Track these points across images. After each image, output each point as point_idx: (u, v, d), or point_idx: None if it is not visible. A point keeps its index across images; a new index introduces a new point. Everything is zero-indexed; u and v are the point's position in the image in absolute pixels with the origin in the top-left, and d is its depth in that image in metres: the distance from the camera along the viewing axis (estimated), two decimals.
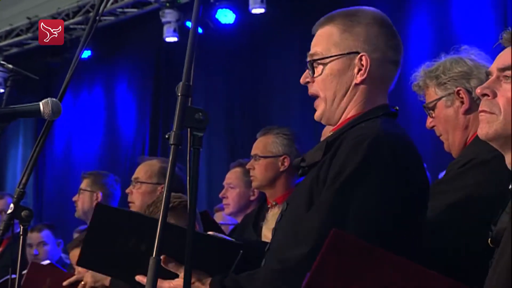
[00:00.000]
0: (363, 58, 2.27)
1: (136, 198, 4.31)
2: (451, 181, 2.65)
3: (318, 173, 2.17)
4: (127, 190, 4.43)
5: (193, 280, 2.10)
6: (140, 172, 4.39)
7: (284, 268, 2.04)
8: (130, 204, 4.36)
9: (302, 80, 2.36)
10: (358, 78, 2.28)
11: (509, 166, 2.00)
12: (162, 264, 2.11)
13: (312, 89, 2.34)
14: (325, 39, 2.31)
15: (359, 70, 2.28)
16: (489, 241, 1.95)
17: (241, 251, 2.18)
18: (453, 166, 2.72)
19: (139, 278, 2.20)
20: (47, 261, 5.19)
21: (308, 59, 2.33)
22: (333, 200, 2.09)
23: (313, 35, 2.37)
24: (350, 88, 2.29)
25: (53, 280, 3.95)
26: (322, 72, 2.30)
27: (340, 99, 2.30)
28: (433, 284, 1.65)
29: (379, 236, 2.03)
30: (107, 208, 2.27)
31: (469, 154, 2.66)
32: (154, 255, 1.66)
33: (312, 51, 2.33)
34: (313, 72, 2.31)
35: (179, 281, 2.14)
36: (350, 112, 2.30)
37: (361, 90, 2.29)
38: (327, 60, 2.29)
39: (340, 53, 2.28)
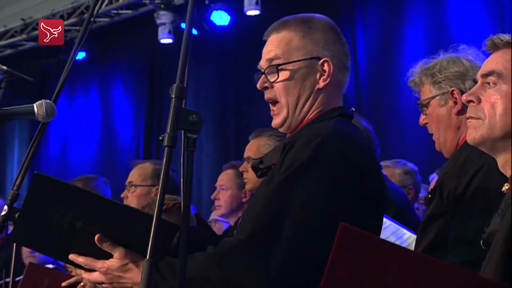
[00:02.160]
0: (326, 63, 2.30)
1: (132, 201, 4.31)
2: None
3: (272, 174, 2.19)
4: (122, 195, 4.42)
5: (126, 261, 2.09)
6: (134, 175, 4.40)
7: (219, 253, 2.04)
8: None
9: (259, 85, 2.34)
10: (321, 83, 2.30)
11: (501, 169, 2.02)
12: (96, 242, 2.09)
13: (271, 94, 2.33)
14: (284, 43, 2.31)
15: (321, 75, 2.30)
16: (481, 243, 1.96)
17: (178, 233, 2.10)
18: (449, 170, 2.72)
19: (73, 257, 2.14)
20: (50, 265, 5.17)
21: (267, 64, 2.32)
22: (275, 191, 2.10)
23: (265, 41, 2.37)
24: (313, 93, 2.30)
25: (51, 281, 3.94)
26: (284, 77, 2.29)
27: (302, 104, 2.31)
28: (448, 276, 1.65)
29: (316, 230, 2.03)
30: (46, 178, 2.09)
31: (461, 157, 2.67)
32: (148, 257, 1.65)
33: (270, 55, 2.32)
34: (277, 77, 2.30)
35: (113, 261, 2.10)
36: (310, 116, 2.31)
37: (322, 95, 2.31)
38: (290, 65, 2.29)
39: (303, 58, 2.29)
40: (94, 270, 2.14)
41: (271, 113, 2.35)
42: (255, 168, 2.37)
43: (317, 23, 2.35)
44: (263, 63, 2.34)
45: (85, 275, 2.17)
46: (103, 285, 2.15)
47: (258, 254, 2.00)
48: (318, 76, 2.30)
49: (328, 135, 2.14)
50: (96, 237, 2.10)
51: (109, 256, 2.12)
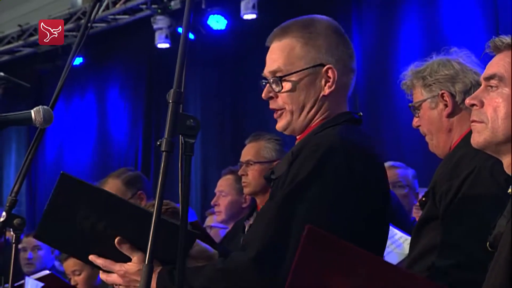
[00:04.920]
0: (330, 70, 2.28)
1: None
2: None
3: (277, 185, 2.19)
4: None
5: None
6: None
7: (229, 268, 2.06)
8: None
9: (264, 96, 2.33)
10: (326, 90, 2.28)
11: (506, 170, 2.02)
12: (116, 244, 2.10)
13: (276, 104, 2.32)
14: (286, 53, 2.29)
15: (326, 82, 2.28)
16: (487, 245, 1.96)
17: (196, 240, 2.15)
18: (444, 169, 2.72)
19: (92, 258, 2.16)
20: (47, 271, 5.17)
21: (271, 75, 2.31)
22: (281, 204, 2.10)
23: (267, 47, 2.35)
24: (318, 100, 2.29)
25: None
26: (289, 87, 2.28)
27: (307, 111, 2.29)
28: (404, 282, 1.67)
29: None
30: (71, 179, 2.13)
31: (454, 160, 2.68)
32: (146, 262, 1.65)
33: (273, 66, 2.30)
34: (281, 88, 2.28)
35: (131, 264, 2.12)
36: (316, 121, 2.31)
37: (328, 101, 2.29)
38: (293, 76, 2.27)
39: (306, 66, 2.27)
40: (112, 272, 2.16)
41: (275, 115, 2.34)
42: (267, 179, 2.36)
43: (318, 27, 2.32)
44: (267, 73, 2.33)
45: (103, 275, 2.20)
46: (120, 287, 2.17)
47: (264, 275, 2.02)
48: (323, 83, 2.28)
49: (332, 146, 2.13)
50: (116, 240, 2.11)
51: (128, 259, 2.13)
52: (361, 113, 2.37)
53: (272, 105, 2.33)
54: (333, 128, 2.24)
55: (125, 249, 2.12)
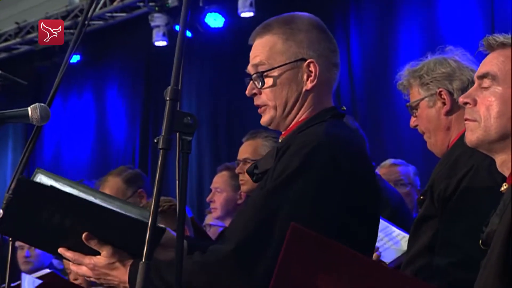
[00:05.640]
0: (311, 64, 2.29)
1: None
2: None
3: (265, 181, 2.19)
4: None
5: (113, 260, 2.14)
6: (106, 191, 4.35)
7: (206, 261, 2.06)
8: None
9: (248, 93, 2.35)
10: (309, 85, 2.29)
11: (499, 169, 2.03)
12: (83, 240, 2.13)
13: (260, 101, 2.33)
14: (268, 48, 2.30)
15: (308, 76, 2.29)
16: (480, 243, 1.96)
17: (164, 234, 2.16)
18: (442, 169, 2.73)
19: (62, 251, 2.19)
20: (47, 270, 5.16)
21: (253, 70, 2.32)
22: (263, 201, 2.11)
23: (250, 46, 2.36)
24: (301, 95, 2.30)
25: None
26: (271, 83, 2.29)
27: (291, 106, 2.30)
28: (390, 280, 1.67)
29: None
30: (29, 183, 2.14)
31: (452, 158, 2.68)
32: (143, 260, 1.65)
33: (255, 60, 2.32)
34: (262, 83, 2.29)
35: (100, 258, 2.15)
36: (301, 117, 2.31)
37: (311, 96, 2.30)
38: (275, 70, 2.28)
39: (287, 61, 2.28)
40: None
41: (259, 111, 2.35)
42: (250, 173, 2.37)
43: (299, 23, 2.33)
44: (250, 68, 2.34)
45: (73, 267, 2.23)
46: (91, 279, 2.22)
47: (243, 266, 2.02)
48: (305, 77, 2.29)
49: (320, 142, 2.14)
50: (83, 236, 2.14)
51: (97, 253, 2.16)
52: (345, 107, 2.38)
53: (256, 101, 2.34)
54: (319, 125, 2.25)
55: (93, 244, 2.15)
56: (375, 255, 3.31)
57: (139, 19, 8.95)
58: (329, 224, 2.06)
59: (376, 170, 4.43)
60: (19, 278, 4.73)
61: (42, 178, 2.19)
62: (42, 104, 2.21)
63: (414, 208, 4.71)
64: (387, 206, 3.79)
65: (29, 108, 2.19)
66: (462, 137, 2.69)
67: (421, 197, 2.76)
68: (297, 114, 2.31)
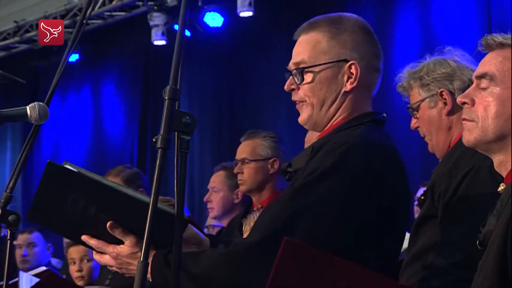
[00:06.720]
0: (353, 66, 2.27)
1: None
2: None
3: (296, 178, 2.19)
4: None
5: (137, 250, 2.11)
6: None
7: (230, 253, 2.06)
8: None
9: (286, 87, 2.34)
10: (348, 86, 2.28)
11: (496, 169, 2.03)
12: (108, 228, 2.12)
13: (297, 96, 2.32)
14: (312, 46, 2.30)
15: (349, 78, 2.28)
16: (477, 243, 1.96)
17: (188, 224, 2.16)
18: (441, 170, 2.72)
19: (85, 238, 2.18)
20: (43, 267, 5.15)
21: (294, 67, 2.32)
22: (294, 195, 2.11)
23: (295, 41, 2.36)
24: (339, 96, 2.29)
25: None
26: (310, 79, 2.28)
27: (328, 106, 2.29)
28: None
29: (328, 238, 2.04)
30: (57, 167, 2.14)
31: (453, 158, 2.68)
32: (141, 259, 1.65)
33: (298, 58, 2.31)
34: (302, 80, 2.29)
35: (124, 247, 2.14)
36: (338, 119, 2.30)
37: (350, 98, 2.29)
38: (317, 68, 2.27)
39: (330, 61, 2.27)
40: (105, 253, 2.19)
41: (296, 107, 2.34)
42: (284, 172, 2.36)
43: (346, 23, 2.32)
44: (291, 65, 2.33)
45: (96, 256, 2.22)
46: (113, 268, 2.20)
47: (266, 260, 1.97)
48: (345, 78, 2.28)
49: (354, 144, 2.13)
50: (108, 224, 2.13)
51: (121, 242, 2.15)
52: (385, 114, 2.37)
53: (294, 97, 2.34)
54: (356, 127, 2.24)
55: (117, 233, 2.13)
56: None
57: (138, 18, 8.94)
58: (354, 226, 2.07)
59: None
60: (16, 276, 4.73)
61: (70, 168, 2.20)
62: (41, 103, 2.21)
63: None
64: None
65: (27, 107, 2.19)
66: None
67: (422, 197, 2.76)
68: (334, 115, 2.30)
